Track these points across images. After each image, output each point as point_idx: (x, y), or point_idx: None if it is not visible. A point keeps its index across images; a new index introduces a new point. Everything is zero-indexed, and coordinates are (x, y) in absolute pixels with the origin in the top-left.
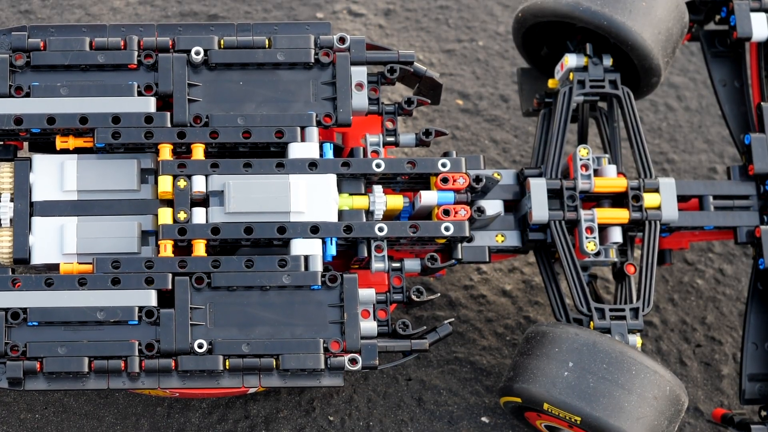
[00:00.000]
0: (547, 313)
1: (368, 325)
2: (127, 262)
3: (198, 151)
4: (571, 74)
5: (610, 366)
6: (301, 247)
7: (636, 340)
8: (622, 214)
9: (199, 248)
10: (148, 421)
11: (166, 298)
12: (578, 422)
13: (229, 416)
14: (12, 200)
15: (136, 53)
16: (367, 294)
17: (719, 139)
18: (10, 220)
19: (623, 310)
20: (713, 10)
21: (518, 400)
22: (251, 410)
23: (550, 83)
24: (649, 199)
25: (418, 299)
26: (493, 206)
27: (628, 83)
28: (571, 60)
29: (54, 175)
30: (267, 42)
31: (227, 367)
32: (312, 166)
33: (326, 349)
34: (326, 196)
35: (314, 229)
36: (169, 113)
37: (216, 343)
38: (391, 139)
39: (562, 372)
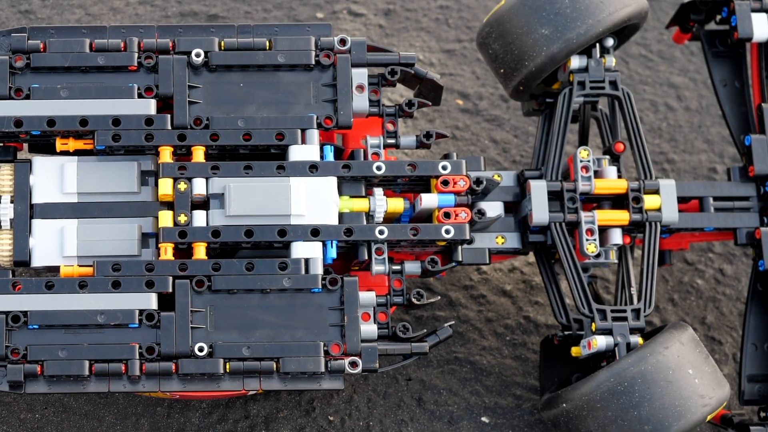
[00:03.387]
0: (547, 313)
1: (368, 328)
2: (128, 265)
3: (198, 154)
4: (571, 75)
5: (640, 387)
6: (301, 250)
7: (638, 340)
8: (622, 216)
9: (200, 251)
10: (148, 421)
11: (166, 301)
12: None
13: (229, 416)
14: (12, 202)
15: (136, 55)
16: (367, 297)
17: (719, 139)
18: (11, 222)
19: (624, 311)
20: (714, 10)
21: None
22: (251, 410)
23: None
24: (650, 201)
25: (418, 302)
26: (493, 208)
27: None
28: (574, 61)
29: (54, 177)
30: (267, 44)
31: (228, 370)
32: (312, 168)
33: (326, 352)
34: (327, 199)
35: (315, 232)
36: (169, 115)
37: (216, 346)
38: (391, 141)
39: (611, 428)
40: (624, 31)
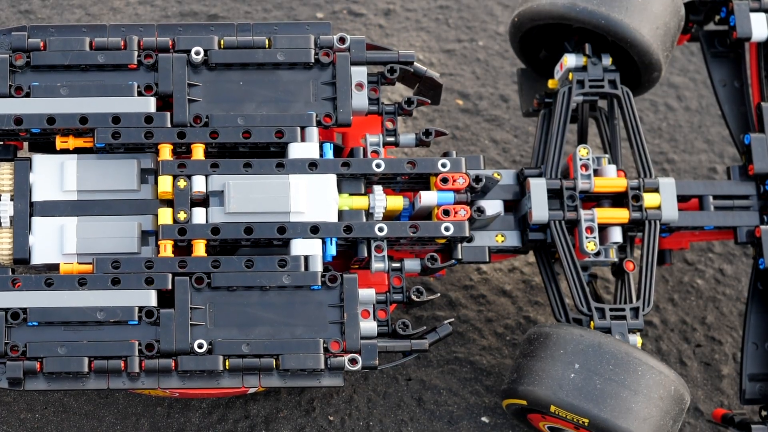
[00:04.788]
0: (547, 313)
1: (368, 326)
2: (127, 262)
3: (198, 151)
4: (570, 74)
5: (617, 367)
6: (301, 247)
7: (636, 339)
8: (622, 214)
9: (199, 248)
10: (148, 421)
11: (166, 298)
12: (586, 424)
13: (229, 416)
14: (12, 200)
15: (136, 53)
16: (367, 294)
17: (719, 139)
18: (10, 220)
19: (623, 309)
20: (713, 10)
21: (523, 402)
22: (251, 410)
23: (550, 83)
24: (649, 199)
25: (418, 299)
26: (493, 206)
27: (629, 80)
28: (570, 60)
29: (54, 175)
30: (267, 42)
31: (227, 367)
32: (312, 166)
33: (326, 349)
34: (326, 196)
35: (314, 230)
36: (169, 113)
37: (216, 343)
38: (391, 139)
39: (568, 374)
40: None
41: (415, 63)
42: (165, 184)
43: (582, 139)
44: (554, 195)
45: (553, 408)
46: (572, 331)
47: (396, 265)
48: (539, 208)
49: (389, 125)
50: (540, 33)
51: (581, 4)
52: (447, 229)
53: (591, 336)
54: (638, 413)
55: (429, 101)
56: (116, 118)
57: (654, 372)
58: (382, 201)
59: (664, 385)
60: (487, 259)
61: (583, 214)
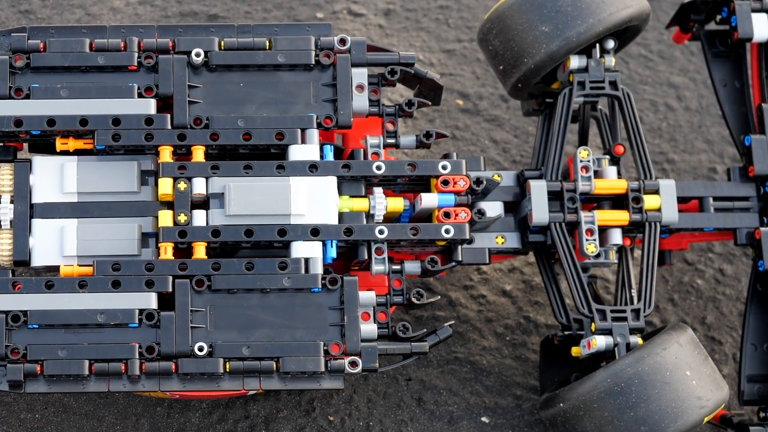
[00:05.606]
0: (547, 313)
1: (368, 328)
2: (128, 265)
3: (198, 153)
4: (571, 75)
5: (637, 387)
6: (301, 249)
7: (637, 341)
8: (622, 216)
9: (200, 251)
10: (148, 421)
11: (166, 301)
12: None
13: (229, 416)
14: (12, 202)
15: (136, 55)
16: (367, 296)
17: (719, 139)
18: (10, 222)
19: (624, 311)
20: (714, 10)
21: None
22: (251, 410)
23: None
24: (650, 201)
25: (418, 302)
26: (493, 208)
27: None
28: (573, 61)
29: (54, 177)
30: (267, 43)
31: (227, 370)
32: (312, 168)
33: (326, 352)
34: (326, 199)
35: (314, 232)
36: (169, 115)
37: (216, 345)
38: (391, 140)
39: (608, 428)
40: (625, 33)
41: (415, 65)
42: (165, 186)
43: (583, 140)
44: (554, 197)
45: None
46: (578, 392)
47: (396, 267)
48: (539, 210)
49: (390, 127)
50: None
51: (569, 33)
52: (447, 231)
53: (594, 383)
54: (686, 399)
55: (429, 102)
56: (116, 120)
57: (659, 359)
58: (383, 203)
59: (675, 355)
60: (487, 261)
61: (584, 216)
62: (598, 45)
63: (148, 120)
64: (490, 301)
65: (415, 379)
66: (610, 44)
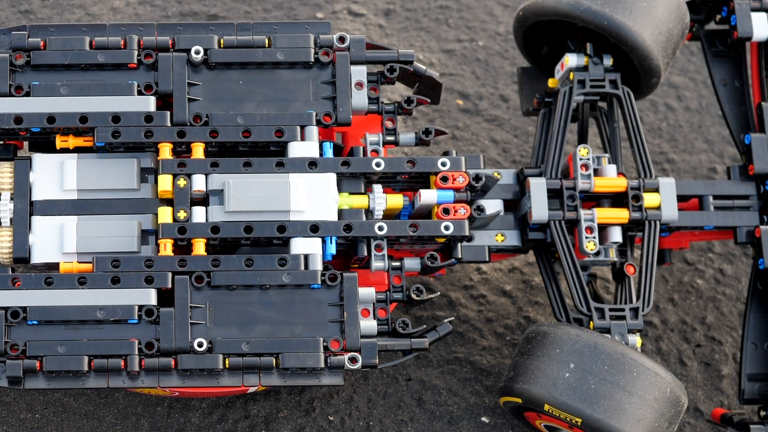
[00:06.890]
0: (547, 313)
1: (368, 324)
2: (127, 261)
3: (198, 150)
4: (572, 74)
5: (612, 368)
6: (301, 246)
7: (636, 340)
8: (621, 214)
9: (199, 247)
10: (148, 421)
11: (165, 297)
12: (579, 423)
13: (229, 416)
14: (12, 199)
15: (136, 52)
16: (366, 293)
17: (719, 139)
18: (10, 219)
19: (623, 310)
20: (714, 9)
21: (518, 400)
22: (251, 410)
23: (551, 83)
24: (649, 199)
25: (417, 298)
26: (492, 205)
27: (628, 83)
28: (571, 60)
29: (54, 175)
30: (267, 41)
31: (227, 366)
32: (312, 165)
33: (326, 348)
34: (326, 195)
35: (314, 228)
36: (169, 112)
37: (216, 341)
38: (390, 138)
39: (563, 373)
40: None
41: (414, 62)
42: (165, 183)
43: (582, 138)
44: (554, 195)
45: (547, 407)
46: (569, 330)
47: (396, 264)
48: (539, 208)
49: (389, 124)
50: (543, 29)
51: (585, 3)
52: (447, 227)
53: (587, 336)
54: (632, 414)
55: (429, 100)
56: (116, 117)
57: (649, 373)
58: (382, 200)
59: (659, 387)
60: (487, 259)
61: (583, 213)
62: (590, 45)
63: (148, 117)
64: (490, 301)
65: (415, 379)
66: (607, 61)
